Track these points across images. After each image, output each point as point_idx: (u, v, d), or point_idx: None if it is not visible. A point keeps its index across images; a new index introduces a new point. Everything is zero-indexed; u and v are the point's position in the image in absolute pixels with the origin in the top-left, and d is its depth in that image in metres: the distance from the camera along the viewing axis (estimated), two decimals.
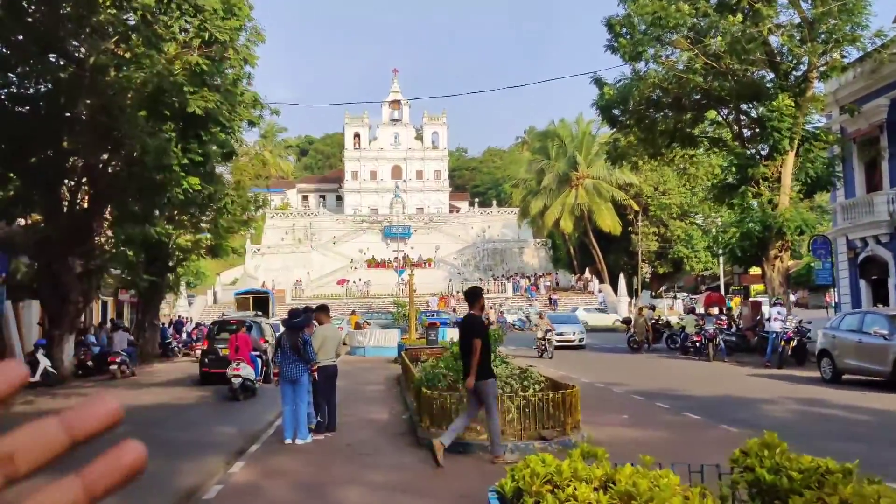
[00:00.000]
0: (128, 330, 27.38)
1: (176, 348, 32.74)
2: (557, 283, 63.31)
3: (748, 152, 24.92)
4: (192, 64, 18.11)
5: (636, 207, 60.26)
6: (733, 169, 24.77)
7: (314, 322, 10.98)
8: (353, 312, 45.35)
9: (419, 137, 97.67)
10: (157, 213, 22.43)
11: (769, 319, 22.65)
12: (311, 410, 10.35)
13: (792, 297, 32.31)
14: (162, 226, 22.25)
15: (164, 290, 32.64)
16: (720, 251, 28.03)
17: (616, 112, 27.39)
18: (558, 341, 28.21)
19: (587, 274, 64.42)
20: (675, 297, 61.68)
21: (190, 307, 53.96)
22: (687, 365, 22.69)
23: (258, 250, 75.57)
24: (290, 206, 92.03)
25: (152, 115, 19.64)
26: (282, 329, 11.63)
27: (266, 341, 20.05)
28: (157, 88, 17.88)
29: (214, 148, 22.42)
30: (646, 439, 9.60)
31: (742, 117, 25.80)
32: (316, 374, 10.35)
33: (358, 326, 33.68)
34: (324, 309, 11.41)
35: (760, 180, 23.95)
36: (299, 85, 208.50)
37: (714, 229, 26.82)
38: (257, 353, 17.70)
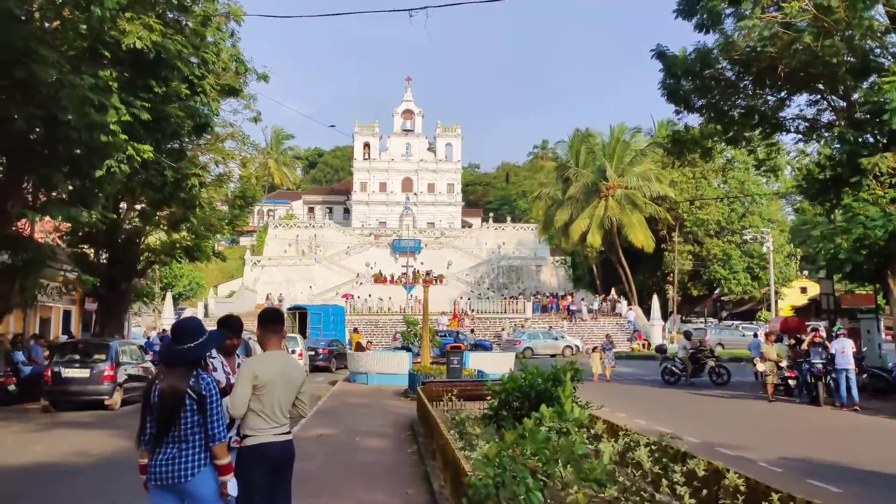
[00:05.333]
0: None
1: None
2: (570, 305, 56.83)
3: (860, 138, 19.46)
4: None
5: (671, 221, 54.57)
6: (843, 157, 19.25)
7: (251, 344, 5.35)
8: (356, 330, 39.94)
9: (432, 149, 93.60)
10: (97, 191, 16.97)
11: (832, 356, 18.36)
12: None
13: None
14: (100, 213, 16.69)
15: (129, 298, 27.25)
16: (823, 263, 22.25)
17: (685, 89, 22.14)
18: None
19: (613, 294, 58.59)
20: (705, 322, 55.93)
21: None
22: (810, 416, 16.52)
23: (258, 262, 70.63)
24: (294, 217, 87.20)
25: (89, 57, 14.48)
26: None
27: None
28: (76, 6, 12.59)
29: (178, 111, 17.12)
30: None
31: (849, 97, 20.41)
32: (226, 477, 4.28)
33: (360, 348, 28.13)
34: (269, 320, 5.03)
35: (878, 174, 18.52)
36: (311, 99, 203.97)
37: (817, 233, 21.19)
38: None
